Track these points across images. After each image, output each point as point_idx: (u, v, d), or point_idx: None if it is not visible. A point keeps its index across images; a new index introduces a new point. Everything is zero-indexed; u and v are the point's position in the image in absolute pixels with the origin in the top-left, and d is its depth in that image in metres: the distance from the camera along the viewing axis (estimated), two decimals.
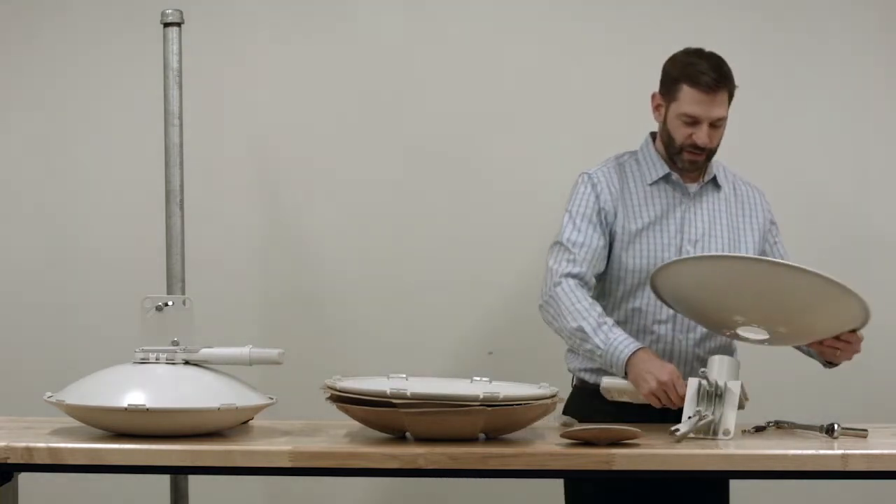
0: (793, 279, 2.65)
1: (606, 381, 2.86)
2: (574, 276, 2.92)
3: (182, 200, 3.37)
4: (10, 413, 2.99)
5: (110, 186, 3.91)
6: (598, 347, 2.83)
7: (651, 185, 3.02)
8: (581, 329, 2.85)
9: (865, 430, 2.68)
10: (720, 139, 2.99)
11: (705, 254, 2.87)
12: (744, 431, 2.77)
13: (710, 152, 2.98)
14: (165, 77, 3.35)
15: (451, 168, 3.87)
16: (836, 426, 2.68)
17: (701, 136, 2.93)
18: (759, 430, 2.79)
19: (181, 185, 3.36)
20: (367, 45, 3.88)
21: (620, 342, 2.81)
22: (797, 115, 3.87)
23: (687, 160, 2.98)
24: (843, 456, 2.48)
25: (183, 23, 3.36)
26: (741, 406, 2.75)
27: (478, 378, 2.78)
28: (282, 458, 2.47)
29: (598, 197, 3.00)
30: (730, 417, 2.66)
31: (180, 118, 3.35)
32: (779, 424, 2.81)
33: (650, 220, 3.00)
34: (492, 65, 3.86)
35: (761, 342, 2.77)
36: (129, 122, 3.88)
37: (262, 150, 3.91)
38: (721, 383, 2.67)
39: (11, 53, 3.94)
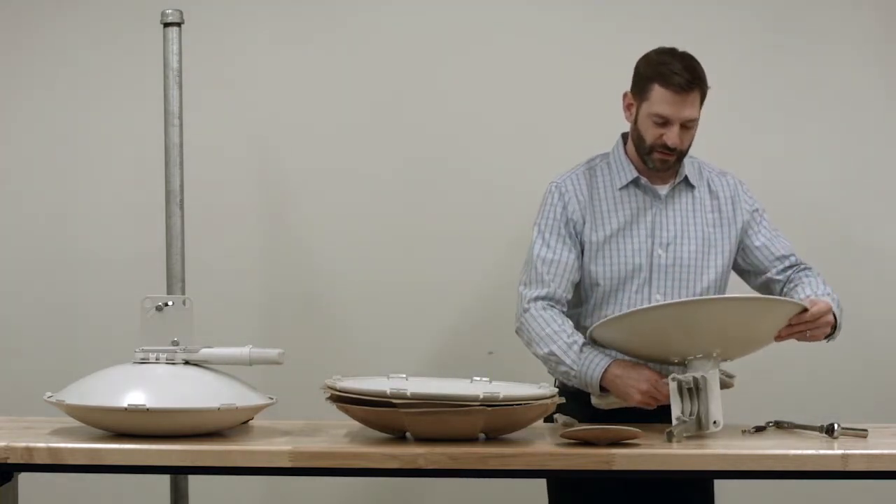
0: (703, 310, 2.66)
1: (595, 400, 2.91)
2: (542, 298, 2.95)
3: (182, 200, 3.37)
4: (10, 413, 2.99)
5: (110, 186, 3.91)
6: (572, 369, 2.87)
7: (621, 189, 3.01)
8: (552, 353, 2.89)
9: (865, 430, 2.68)
10: (691, 140, 2.97)
11: (614, 315, 2.81)
12: (744, 431, 2.77)
13: (680, 153, 2.95)
14: (165, 77, 3.35)
15: (452, 168, 3.87)
16: (836, 426, 2.68)
17: (671, 136, 2.91)
18: (759, 430, 2.79)
19: (181, 185, 3.37)
20: (367, 46, 3.88)
21: (591, 361, 2.85)
22: (792, 115, 3.87)
23: (657, 160, 2.95)
24: (843, 456, 2.48)
25: (183, 23, 3.36)
26: (728, 386, 2.75)
27: (478, 378, 2.78)
28: (282, 458, 2.47)
29: (565, 207, 3.00)
30: (715, 409, 2.65)
31: (180, 118, 3.36)
32: (779, 424, 2.81)
33: (619, 226, 2.98)
34: (492, 64, 3.86)
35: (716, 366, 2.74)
36: (129, 122, 3.88)
37: (262, 150, 3.91)
38: (698, 376, 2.67)
39: (12, 54, 3.94)
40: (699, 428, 2.66)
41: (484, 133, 3.86)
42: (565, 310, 2.97)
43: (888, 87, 3.86)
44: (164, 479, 3.51)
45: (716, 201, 3.04)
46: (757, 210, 3.08)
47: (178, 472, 3.32)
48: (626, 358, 2.88)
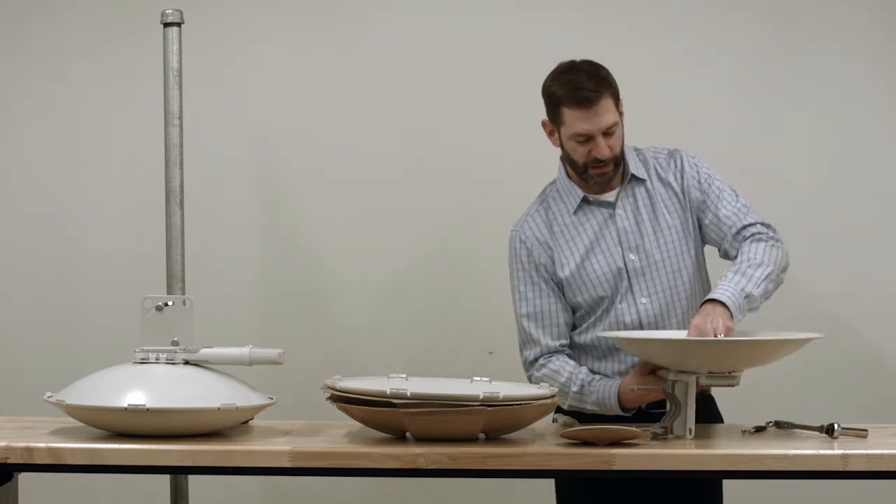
0: (725, 350, 2.67)
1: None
2: (539, 356, 2.96)
3: (182, 200, 3.37)
4: (10, 413, 2.99)
5: (110, 186, 3.91)
6: (595, 410, 2.90)
7: (575, 213, 2.99)
8: (571, 406, 2.92)
9: (865, 430, 2.68)
10: (621, 143, 2.93)
11: (627, 336, 2.85)
12: (744, 431, 2.77)
13: (615, 159, 2.92)
14: (165, 77, 3.36)
15: (452, 168, 3.87)
16: (836, 426, 2.67)
17: (599, 149, 2.87)
18: (759, 430, 2.78)
19: (181, 185, 3.37)
20: (367, 45, 3.88)
21: (602, 394, 2.87)
22: (791, 114, 3.87)
23: (595, 175, 2.92)
24: (843, 456, 2.48)
25: (183, 23, 3.36)
26: (731, 385, 2.72)
27: (478, 378, 2.78)
28: (282, 458, 2.47)
29: (529, 253, 2.99)
30: (690, 417, 2.66)
31: (180, 118, 3.36)
32: (779, 424, 2.81)
33: (587, 248, 2.96)
34: (493, 65, 3.86)
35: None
36: (129, 122, 3.88)
37: (262, 150, 3.91)
38: (679, 384, 2.68)
39: (12, 54, 3.94)
40: (672, 433, 2.67)
41: (485, 134, 3.86)
42: (566, 350, 2.98)
43: (888, 86, 3.86)
44: (164, 479, 3.51)
45: (668, 186, 3.00)
46: (704, 181, 2.99)
47: (178, 472, 3.32)
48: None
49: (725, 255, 2.98)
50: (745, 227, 2.94)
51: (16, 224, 3.93)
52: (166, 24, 3.35)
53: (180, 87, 3.35)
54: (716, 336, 2.68)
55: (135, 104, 3.86)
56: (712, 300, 2.77)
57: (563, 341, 2.98)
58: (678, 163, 3.01)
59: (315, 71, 3.90)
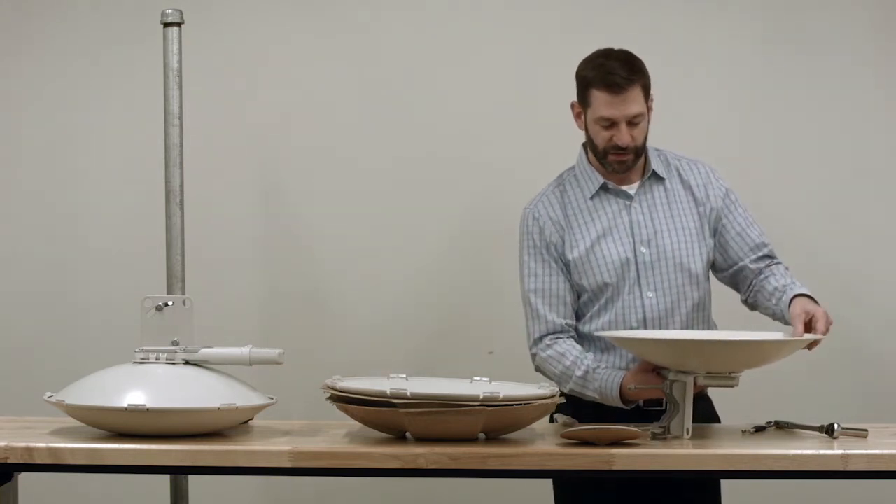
0: (719, 349, 2.68)
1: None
2: (545, 335, 2.97)
3: (182, 200, 3.37)
4: (10, 413, 2.99)
5: (110, 186, 3.91)
6: (595, 398, 2.91)
7: (592, 198, 3.00)
8: (573, 390, 2.93)
9: (865, 430, 2.68)
10: (644, 135, 2.95)
11: (629, 336, 2.86)
12: (744, 431, 2.77)
13: (636, 150, 2.94)
14: (165, 77, 3.36)
15: (452, 167, 3.87)
16: (836, 426, 2.68)
17: (621, 136, 2.90)
18: (759, 430, 2.79)
19: (181, 185, 3.37)
20: (367, 45, 3.88)
21: (605, 384, 2.88)
22: (791, 114, 3.87)
23: (614, 162, 2.95)
24: (843, 456, 2.48)
25: (183, 23, 3.36)
26: (730, 386, 2.73)
27: (478, 378, 2.78)
28: (282, 458, 2.48)
29: (542, 231, 3.01)
30: (688, 418, 2.67)
31: (180, 118, 3.36)
32: (779, 424, 2.81)
33: (599, 234, 2.98)
34: (494, 64, 3.86)
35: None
36: (129, 122, 3.88)
37: (262, 150, 3.91)
38: (678, 383, 2.68)
39: (12, 54, 3.94)
40: (669, 433, 2.67)
41: (484, 131, 3.86)
42: (572, 333, 2.99)
43: (888, 86, 3.86)
44: (164, 479, 3.51)
45: (689, 189, 3.02)
46: (728, 195, 3.04)
47: (178, 472, 3.32)
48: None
49: (738, 272, 3.01)
50: (765, 244, 3.01)
51: (16, 224, 3.93)
52: (166, 24, 3.35)
53: (180, 87, 3.35)
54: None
55: (135, 104, 3.86)
56: (803, 295, 2.84)
57: (569, 321, 2.98)
58: (703, 171, 3.05)
59: (315, 70, 3.89)
